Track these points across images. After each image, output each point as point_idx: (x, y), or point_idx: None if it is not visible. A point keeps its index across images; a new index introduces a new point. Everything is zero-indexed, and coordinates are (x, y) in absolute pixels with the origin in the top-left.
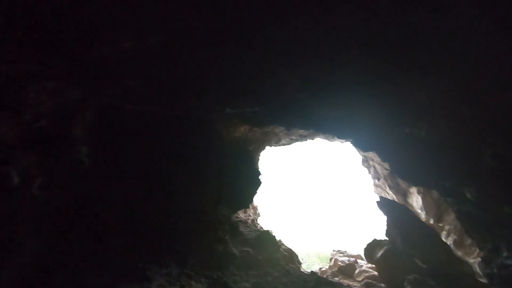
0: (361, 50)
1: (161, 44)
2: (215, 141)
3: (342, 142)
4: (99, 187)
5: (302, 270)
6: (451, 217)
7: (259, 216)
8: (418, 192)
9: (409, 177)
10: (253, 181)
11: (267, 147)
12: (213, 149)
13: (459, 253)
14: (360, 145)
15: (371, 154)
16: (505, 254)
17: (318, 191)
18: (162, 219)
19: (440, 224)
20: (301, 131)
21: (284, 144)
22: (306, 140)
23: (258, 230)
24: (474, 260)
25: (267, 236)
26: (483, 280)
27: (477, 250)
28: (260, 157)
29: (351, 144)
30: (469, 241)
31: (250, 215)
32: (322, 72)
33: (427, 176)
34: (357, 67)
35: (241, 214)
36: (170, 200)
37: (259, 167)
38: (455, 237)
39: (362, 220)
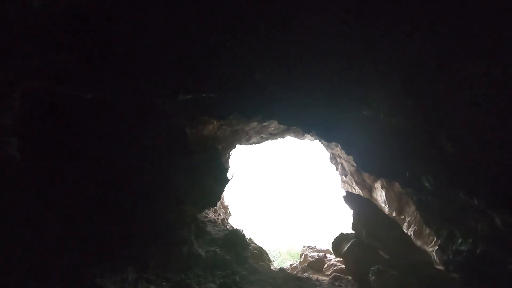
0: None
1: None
2: (179, 138)
3: (311, 141)
4: (35, 184)
5: (271, 267)
6: (411, 209)
7: (230, 215)
8: (382, 187)
9: (373, 169)
10: (220, 179)
11: (237, 146)
12: (177, 146)
13: (418, 242)
14: (324, 135)
15: (338, 151)
16: (459, 240)
17: (290, 189)
18: (117, 221)
19: (402, 217)
20: (271, 129)
21: (255, 143)
22: (277, 139)
23: (227, 229)
24: (432, 248)
25: (235, 235)
26: (440, 267)
27: (434, 239)
28: (230, 156)
29: (317, 136)
30: (427, 231)
31: (220, 215)
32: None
33: (388, 167)
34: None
35: (210, 214)
36: (127, 200)
37: (229, 165)
38: (415, 227)
39: (332, 216)
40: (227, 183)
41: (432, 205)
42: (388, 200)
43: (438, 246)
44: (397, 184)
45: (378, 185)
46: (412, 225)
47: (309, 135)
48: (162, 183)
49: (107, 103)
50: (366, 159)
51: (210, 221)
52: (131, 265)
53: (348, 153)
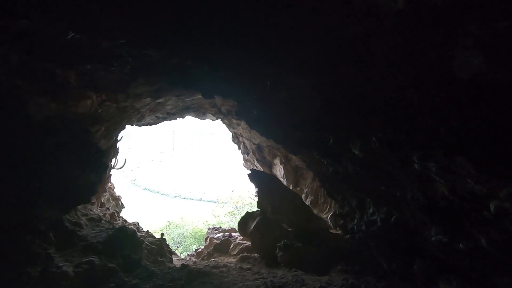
0: None
1: None
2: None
3: (213, 120)
4: None
5: (172, 265)
6: (307, 181)
7: (123, 207)
8: (280, 163)
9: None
10: (94, 166)
11: (127, 126)
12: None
13: (315, 211)
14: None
15: (240, 130)
16: (371, 210)
17: (194, 170)
18: None
19: (298, 188)
20: (169, 107)
21: (150, 123)
22: (176, 118)
23: (113, 228)
24: (326, 215)
25: (123, 233)
26: (334, 231)
27: (328, 206)
28: (117, 139)
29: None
30: (322, 199)
31: (108, 209)
32: None
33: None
34: None
35: (95, 209)
36: None
37: (118, 149)
38: (312, 197)
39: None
40: (105, 171)
41: (351, 174)
42: (286, 174)
43: (341, 214)
44: (294, 159)
45: (277, 161)
46: (309, 196)
47: (210, 114)
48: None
49: None
50: (260, 123)
51: (92, 219)
52: None
53: (251, 127)
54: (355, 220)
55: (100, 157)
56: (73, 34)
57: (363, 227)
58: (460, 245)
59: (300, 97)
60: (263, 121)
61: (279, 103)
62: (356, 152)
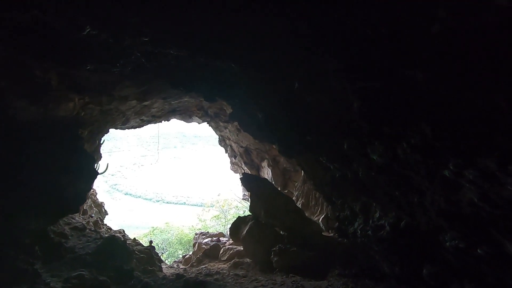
0: None
1: None
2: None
3: (199, 123)
4: None
5: (162, 274)
6: (296, 184)
7: (106, 214)
8: (268, 166)
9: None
10: (82, 174)
11: (111, 130)
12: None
13: (306, 213)
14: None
15: (227, 133)
16: (377, 214)
17: (177, 174)
18: None
19: (285, 191)
20: (154, 110)
21: (134, 126)
22: (161, 121)
23: (101, 237)
24: (317, 217)
25: (112, 243)
26: (326, 234)
27: (319, 209)
28: (101, 143)
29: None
30: (313, 202)
31: (92, 216)
32: None
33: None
34: None
35: (77, 218)
36: None
37: (101, 154)
38: (302, 200)
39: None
40: (94, 178)
41: (361, 179)
42: (274, 177)
43: (338, 218)
44: (282, 161)
45: (265, 164)
46: (300, 198)
47: (197, 117)
48: None
49: None
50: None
51: (75, 228)
52: None
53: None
54: (357, 225)
55: (89, 163)
56: (89, 29)
57: (370, 231)
58: (479, 250)
59: (333, 101)
60: (268, 125)
61: (300, 106)
62: (374, 158)
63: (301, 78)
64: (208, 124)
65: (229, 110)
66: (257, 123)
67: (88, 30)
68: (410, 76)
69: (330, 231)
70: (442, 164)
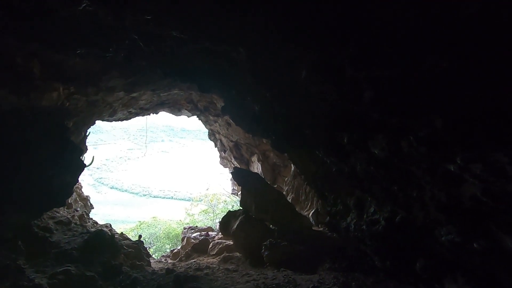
0: None
1: None
2: None
3: (188, 116)
4: None
5: (151, 269)
6: (286, 179)
7: (92, 208)
8: (258, 160)
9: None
10: (70, 166)
11: (97, 122)
12: None
13: (296, 208)
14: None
15: (217, 127)
16: (372, 209)
17: (164, 168)
18: None
19: (275, 186)
20: (142, 102)
21: (121, 119)
22: (149, 114)
23: (88, 232)
24: (308, 212)
25: (100, 237)
26: (316, 228)
27: (310, 204)
28: (87, 134)
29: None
30: (303, 197)
31: (77, 210)
32: None
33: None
34: None
35: (62, 212)
36: None
37: (86, 146)
38: (293, 195)
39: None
40: (81, 171)
41: (357, 174)
42: (264, 171)
43: (330, 213)
44: (271, 156)
45: (255, 158)
46: (290, 193)
47: (186, 110)
48: None
49: None
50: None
51: (60, 223)
52: None
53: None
54: (350, 219)
55: (76, 155)
56: (85, 4)
57: (364, 226)
58: (475, 244)
59: (341, 92)
60: (264, 118)
61: (303, 98)
62: (376, 152)
63: (310, 66)
64: (198, 118)
65: (220, 104)
66: (251, 116)
67: (84, 5)
68: (432, 63)
69: (319, 226)
70: (448, 158)
